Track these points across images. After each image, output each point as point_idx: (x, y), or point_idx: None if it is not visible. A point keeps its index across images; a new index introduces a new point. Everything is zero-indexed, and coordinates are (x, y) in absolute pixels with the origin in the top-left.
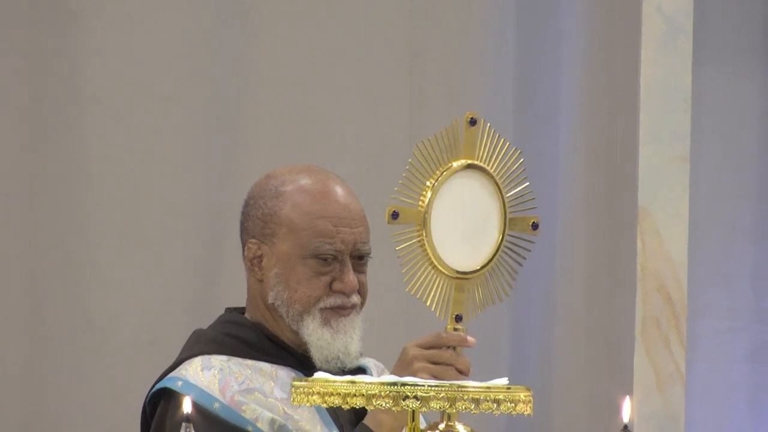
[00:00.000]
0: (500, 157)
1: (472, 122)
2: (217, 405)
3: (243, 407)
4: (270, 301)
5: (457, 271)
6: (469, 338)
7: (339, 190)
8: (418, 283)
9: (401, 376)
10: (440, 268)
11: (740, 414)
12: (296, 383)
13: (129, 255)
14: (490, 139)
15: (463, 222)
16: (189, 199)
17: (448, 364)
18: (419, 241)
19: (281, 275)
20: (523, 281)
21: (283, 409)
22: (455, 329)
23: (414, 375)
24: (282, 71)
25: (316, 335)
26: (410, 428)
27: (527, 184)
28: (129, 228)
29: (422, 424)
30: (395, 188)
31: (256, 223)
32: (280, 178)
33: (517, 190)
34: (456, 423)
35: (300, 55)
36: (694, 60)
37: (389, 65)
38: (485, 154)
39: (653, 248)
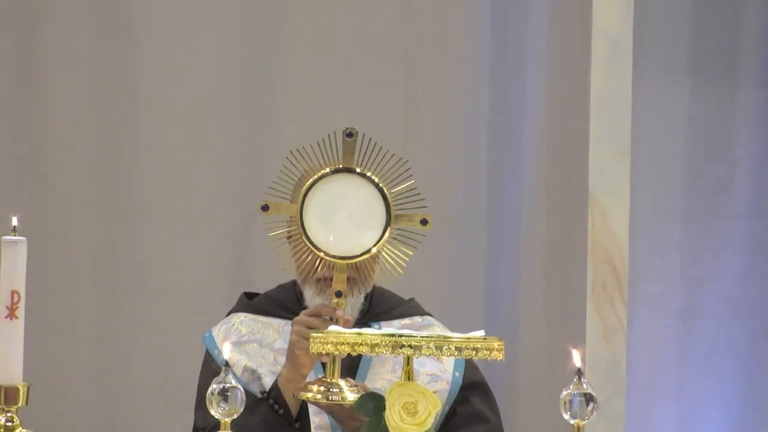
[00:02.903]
0: (384, 164)
1: (349, 135)
2: (216, 351)
3: (230, 355)
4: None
5: (336, 256)
6: (338, 311)
7: None
8: (302, 262)
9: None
10: (316, 252)
11: (670, 359)
12: (314, 334)
13: (179, 232)
14: (371, 149)
15: (342, 216)
16: (228, 185)
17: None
18: (293, 229)
19: (292, 250)
20: (495, 253)
21: (274, 357)
22: (338, 303)
23: (292, 334)
24: (302, 82)
25: (312, 302)
26: (405, 371)
27: (415, 186)
28: (179, 210)
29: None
30: (269, 186)
31: None
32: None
33: (404, 191)
34: (339, 379)
35: (316, 69)
36: (634, 74)
37: (388, 77)
38: (368, 161)
39: (601, 226)
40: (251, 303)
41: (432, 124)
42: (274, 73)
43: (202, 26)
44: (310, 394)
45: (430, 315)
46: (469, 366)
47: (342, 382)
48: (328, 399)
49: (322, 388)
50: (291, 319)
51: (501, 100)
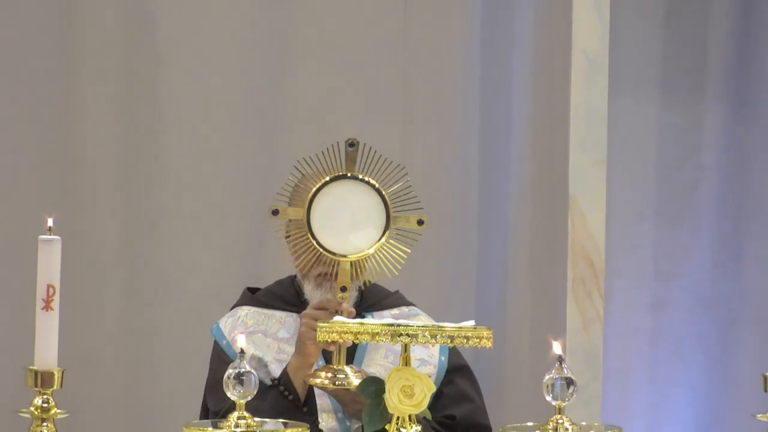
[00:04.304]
0: (383, 170)
1: (351, 145)
2: (224, 342)
3: (236, 344)
4: None
5: (340, 254)
6: (343, 305)
7: None
8: (306, 260)
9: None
10: (322, 251)
11: (642, 347)
12: (321, 324)
13: (197, 230)
14: (372, 157)
15: (345, 218)
16: (242, 191)
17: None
18: (303, 231)
19: (290, 249)
20: (485, 251)
21: (278, 345)
22: (342, 297)
23: (302, 326)
24: (310, 95)
25: (311, 296)
26: (403, 357)
27: (411, 190)
28: (197, 210)
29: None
30: (277, 192)
31: None
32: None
33: (401, 194)
34: (344, 366)
35: (323, 83)
36: (610, 89)
37: (388, 89)
38: (368, 168)
39: (580, 227)
40: (255, 297)
41: (428, 133)
42: (284, 88)
43: (220, 46)
44: (318, 380)
45: (414, 305)
46: (453, 351)
47: (348, 369)
48: (335, 384)
49: (329, 375)
50: (292, 311)
51: (490, 112)
